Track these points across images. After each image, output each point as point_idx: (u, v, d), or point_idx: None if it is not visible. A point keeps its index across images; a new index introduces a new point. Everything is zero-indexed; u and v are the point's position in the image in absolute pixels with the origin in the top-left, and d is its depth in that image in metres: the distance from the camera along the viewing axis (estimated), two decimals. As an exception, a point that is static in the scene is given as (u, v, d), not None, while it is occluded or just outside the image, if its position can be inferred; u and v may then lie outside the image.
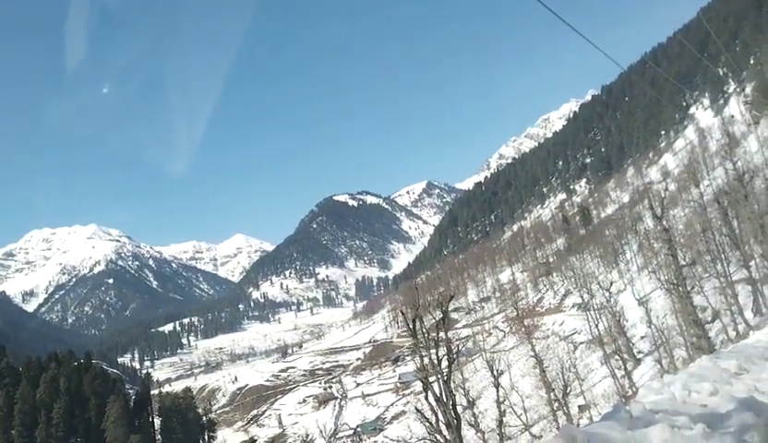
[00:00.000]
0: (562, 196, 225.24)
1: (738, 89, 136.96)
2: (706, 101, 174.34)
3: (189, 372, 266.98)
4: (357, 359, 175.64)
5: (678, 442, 4.19)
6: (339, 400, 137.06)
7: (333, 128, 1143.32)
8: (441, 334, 18.72)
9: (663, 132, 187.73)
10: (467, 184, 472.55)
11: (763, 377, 7.25)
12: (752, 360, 8.60)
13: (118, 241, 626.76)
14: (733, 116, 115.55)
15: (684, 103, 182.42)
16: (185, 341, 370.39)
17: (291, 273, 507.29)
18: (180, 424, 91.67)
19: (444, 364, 18.34)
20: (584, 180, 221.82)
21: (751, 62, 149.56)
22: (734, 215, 54.08)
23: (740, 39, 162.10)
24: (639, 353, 69.70)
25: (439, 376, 17.77)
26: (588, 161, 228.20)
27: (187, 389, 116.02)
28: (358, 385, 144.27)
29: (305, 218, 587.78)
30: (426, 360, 18.45)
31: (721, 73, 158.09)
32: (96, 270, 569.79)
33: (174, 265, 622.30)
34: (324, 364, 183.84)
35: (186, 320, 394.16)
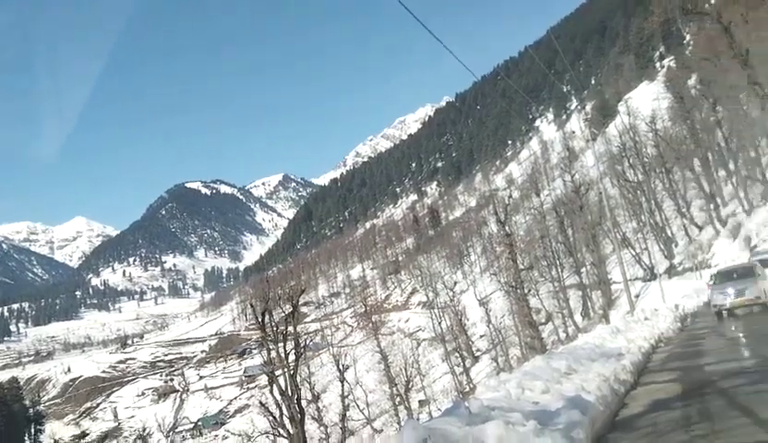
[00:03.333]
0: (414, 197, 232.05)
1: (579, 107, 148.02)
2: (550, 116, 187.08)
3: (17, 361, 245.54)
4: (202, 351, 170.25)
5: (511, 438, 4.29)
6: (180, 393, 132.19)
7: (188, 114, 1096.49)
8: (290, 328, 18.45)
9: (510, 142, 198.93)
10: (323, 179, 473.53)
11: (589, 377, 7.74)
12: (580, 361, 9.20)
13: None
14: (573, 131, 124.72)
15: (531, 116, 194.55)
16: (13, 327, 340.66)
17: (135, 261, 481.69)
18: (4, 416, 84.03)
19: (291, 357, 18.09)
20: (435, 183, 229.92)
21: (592, 82, 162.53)
22: (569, 224, 58.38)
23: (584, 59, 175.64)
24: (477, 350, 73.38)
25: (286, 369, 17.50)
26: (440, 164, 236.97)
27: (13, 380, 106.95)
28: (201, 378, 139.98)
29: (153, 203, 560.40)
30: (273, 353, 18.10)
31: (565, 90, 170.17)
32: None
33: (4, 246, 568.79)
34: (166, 356, 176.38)
35: (15, 306, 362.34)
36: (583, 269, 57.74)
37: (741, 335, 14.15)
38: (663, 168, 60.60)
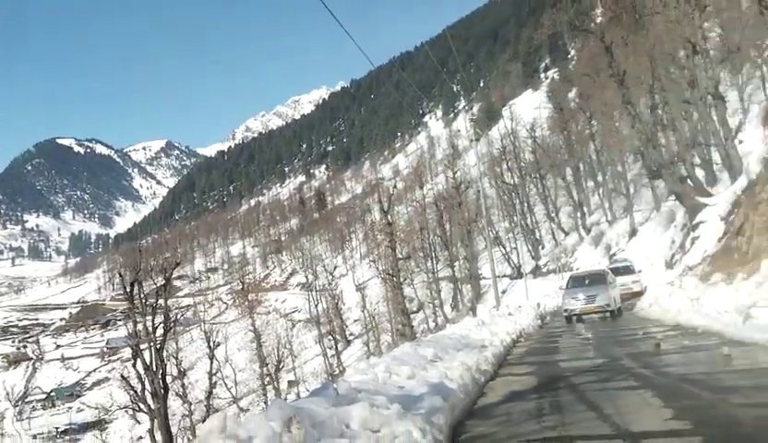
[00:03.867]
0: (302, 178, 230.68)
1: (466, 107, 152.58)
2: (439, 113, 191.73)
3: None
4: (62, 319, 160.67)
5: (375, 420, 4.42)
6: (33, 361, 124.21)
7: (66, 64, 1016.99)
8: (161, 301, 17.81)
9: (399, 134, 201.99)
10: (210, 150, 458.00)
11: (454, 365, 8.08)
12: (446, 350, 9.58)
13: None
14: (459, 130, 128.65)
15: (421, 111, 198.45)
16: None
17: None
18: None
19: (159, 331, 17.49)
20: (324, 166, 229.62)
21: (481, 85, 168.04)
22: (447, 219, 60.29)
23: (475, 62, 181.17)
24: (351, 335, 74.36)
25: (152, 343, 16.90)
26: (330, 148, 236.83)
27: None
28: (59, 347, 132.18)
29: (18, 157, 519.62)
30: (140, 326, 17.42)
31: (455, 89, 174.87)
32: None
33: None
34: (21, 321, 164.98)
35: None
36: (457, 263, 59.86)
37: (592, 336, 15.21)
38: (538, 174, 63.87)
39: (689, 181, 30.43)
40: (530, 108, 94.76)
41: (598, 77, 39.38)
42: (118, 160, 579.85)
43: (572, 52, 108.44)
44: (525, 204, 65.41)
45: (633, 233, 45.84)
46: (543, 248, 64.54)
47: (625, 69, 29.95)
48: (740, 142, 31.03)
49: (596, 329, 17.36)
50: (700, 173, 34.98)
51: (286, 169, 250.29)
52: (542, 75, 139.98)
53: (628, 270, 29.80)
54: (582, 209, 60.05)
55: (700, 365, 8.74)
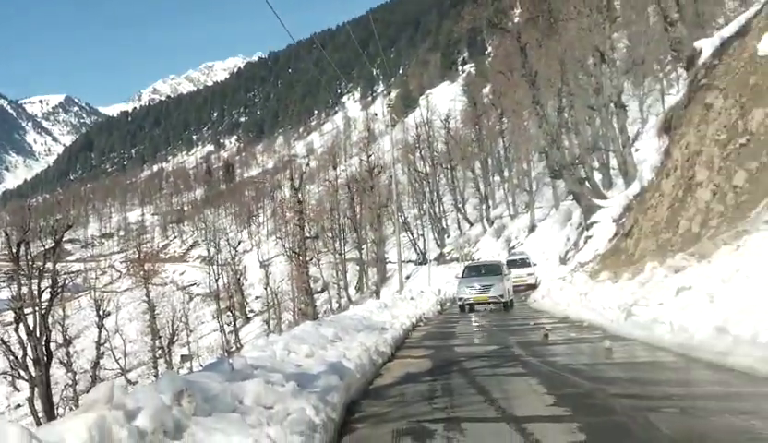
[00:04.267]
0: (211, 147, 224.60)
1: (384, 92, 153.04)
2: (357, 95, 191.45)
3: None
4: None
5: (269, 396, 4.42)
6: None
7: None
8: (48, 264, 16.98)
9: (316, 112, 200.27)
10: (113, 110, 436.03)
11: (353, 346, 8.19)
12: (347, 330, 9.68)
13: None
14: (376, 114, 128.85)
15: (339, 91, 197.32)
16: None
17: None
18: None
19: (45, 296, 16.70)
20: (235, 137, 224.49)
21: (400, 71, 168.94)
22: (359, 201, 60.61)
23: (396, 48, 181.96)
24: (251, 312, 73.48)
25: (37, 308, 16.10)
26: (243, 119, 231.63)
27: None
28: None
29: None
30: (24, 289, 16.57)
31: (375, 73, 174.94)
32: None
33: None
34: None
35: None
36: (364, 246, 60.35)
37: (486, 324, 15.77)
38: (449, 164, 65.17)
39: (587, 183, 31.96)
40: (446, 99, 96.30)
41: (512, 75, 40.52)
42: (11, 111, 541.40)
43: (489, 48, 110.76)
44: (435, 193, 66.65)
45: (533, 228, 47.67)
46: (448, 237, 66.04)
47: (537, 70, 30.98)
48: (637, 150, 32.80)
49: (491, 317, 17.98)
50: (597, 176, 36.81)
51: (194, 137, 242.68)
52: (459, 68, 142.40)
53: (524, 263, 31.09)
54: (488, 201, 61.82)
55: (583, 356, 9.27)
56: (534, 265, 31.93)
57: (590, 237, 25.74)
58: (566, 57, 33.55)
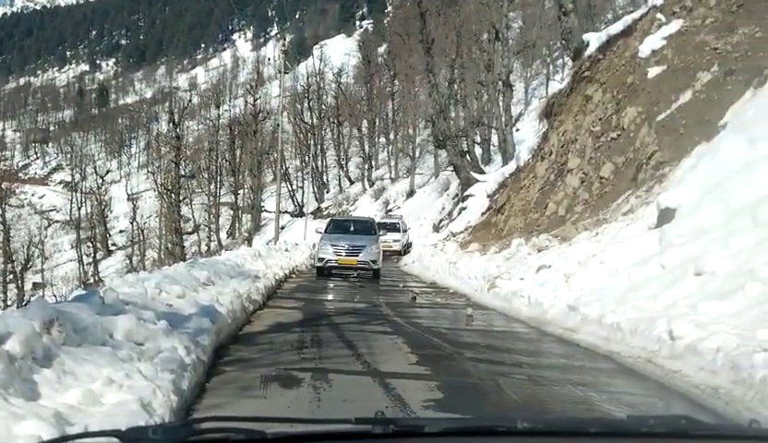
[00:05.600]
0: (85, 67, 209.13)
1: (278, 36, 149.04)
2: (249, 34, 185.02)
3: None
4: None
5: (140, 333, 4.38)
6: None
7: None
8: None
9: (203, 45, 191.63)
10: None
11: (225, 291, 8.18)
12: (220, 275, 9.61)
13: None
14: (269, 59, 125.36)
15: (230, 27, 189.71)
16: None
17: None
18: None
19: None
20: (113, 60, 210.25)
21: (297, 17, 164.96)
22: (240, 145, 59.17)
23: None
24: (113, 245, 70.32)
25: None
26: (123, 42, 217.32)
27: None
28: None
29: None
30: None
31: (270, 14, 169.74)
32: None
33: None
34: None
35: None
36: (241, 192, 59.22)
37: (357, 281, 16.08)
38: (336, 119, 64.93)
39: (468, 156, 33.02)
40: (340, 52, 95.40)
41: (408, 39, 40.76)
42: None
43: (390, 7, 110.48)
44: (319, 146, 66.22)
45: (411, 193, 48.78)
46: (328, 192, 66.11)
47: (434, 39, 31.36)
48: (517, 130, 34.28)
49: (362, 275, 18.02)
50: (478, 150, 38.10)
51: (68, 53, 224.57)
52: (357, 22, 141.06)
53: (394, 228, 30.87)
54: (371, 162, 62.34)
55: (446, 320, 9.79)
56: (406, 231, 32.27)
57: (464, 209, 26.69)
58: (463, 30, 34.21)
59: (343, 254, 16.27)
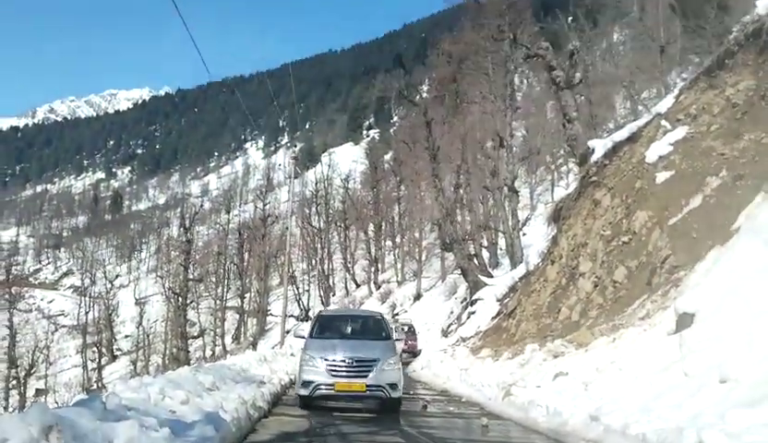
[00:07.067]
0: (101, 175, 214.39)
1: (288, 144, 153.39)
2: (261, 142, 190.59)
3: None
4: None
5: (143, 440, 4.16)
6: None
7: None
8: None
9: (216, 153, 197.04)
10: (4, 123, 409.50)
11: (231, 397, 7.89)
12: (225, 380, 9.33)
13: None
14: (280, 165, 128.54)
15: (243, 136, 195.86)
16: None
17: None
18: None
19: None
20: (129, 168, 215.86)
21: (307, 126, 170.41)
22: (248, 248, 59.54)
23: (305, 104, 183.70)
24: (118, 350, 69.42)
25: None
26: (139, 151, 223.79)
27: None
28: None
29: None
30: None
31: (281, 124, 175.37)
32: None
33: None
34: None
35: None
36: (248, 295, 58.99)
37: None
38: (343, 223, 65.54)
39: (475, 259, 32.98)
40: (348, 160, 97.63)
41: (414, 146, 41.77)
42: None
43: (395, 117, 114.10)
44: (326, 249, 66.48)
45: (418, 296, 48.39)
46: (334, 295, 65.69)
47: (439, 146, 32.11)
48: (524, 234, 34.35)
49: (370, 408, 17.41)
50: (486, 254, 38.07)
51: (86, 162, 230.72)
52: (364, 132, 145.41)
53: (412, 333, 30.71)
54: (377, 265, 62.31)
55: (460, 431, 9.35)
56: (417, 333, 31.99)
57: (473, 313, 26.30)
58: (467, 137, 35.06)
59: (343, 373, 10.05)
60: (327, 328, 11.74)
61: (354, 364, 10.08)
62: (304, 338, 11.45)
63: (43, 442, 3.07)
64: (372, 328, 11.93)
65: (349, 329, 11.96)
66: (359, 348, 10.53)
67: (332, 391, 10.07)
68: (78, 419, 3.79)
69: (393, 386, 10.06)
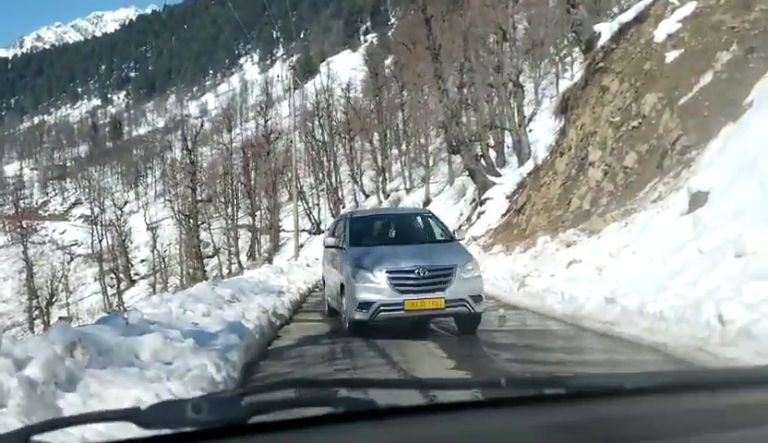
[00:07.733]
0: (97, 102, 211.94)
1: (284, 56, 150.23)
2: (256, 57, 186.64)
3: None
4: None
5: (168, 352, 4.22)
6: None
7: None
8: None
9: (211, 72, 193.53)
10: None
11: (251, 307, 8.01)
12: (244, 292, 9.47)
13: None
14: (279, 77, 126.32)
15: (237, 51, 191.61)
16: None
17: None
18: None
19: None
20: (124, 93, 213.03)
21: (302, 36, 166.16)
22: (254, 167, 59.36)
23: (298, 12, 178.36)
24: (136, 274, 70.66)
25: None
26: (133, 74, 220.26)
27: None
28: None
29: None
30: None
31: (275, 36, 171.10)
32: None
33: None
34: None
35: None
36: (258, 213, 59.33)
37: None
38: (347, 134, 64.88)
39: (483, 160, 32.73)
40: (347, 68, 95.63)
41: (414, 47, 40.59)
42: None
43: (393, 19, 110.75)
44: (332, 162, 66.22)
45: (428, 202, 48.45)
46: (344, 207, 65.76)
47: (440, 44, 31.18)
48: (530, 130, 33.92)
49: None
50: (492, 153, 37.76)
51: (80, 89, 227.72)
52: (362, 37, 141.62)
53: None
54: (384, 174, 62.14)
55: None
56: None
57: (483, 212, 26.34)
58: (469, 33, 33.99)
59: (414, 288, 7.75)
60: (365, 233, 9.22)
61: (428, 274, 7.76)
62: (338, 247, 9.05)
63: (68, 358, 3.09)
64: (425, 228, 9.55)
65: (394, 234, 9.43)
66: (427, 254, 8.25)
67: (402, 312, 7.71)
68: (102, 335, 3.83)
69: (477, 298, 7.86)
